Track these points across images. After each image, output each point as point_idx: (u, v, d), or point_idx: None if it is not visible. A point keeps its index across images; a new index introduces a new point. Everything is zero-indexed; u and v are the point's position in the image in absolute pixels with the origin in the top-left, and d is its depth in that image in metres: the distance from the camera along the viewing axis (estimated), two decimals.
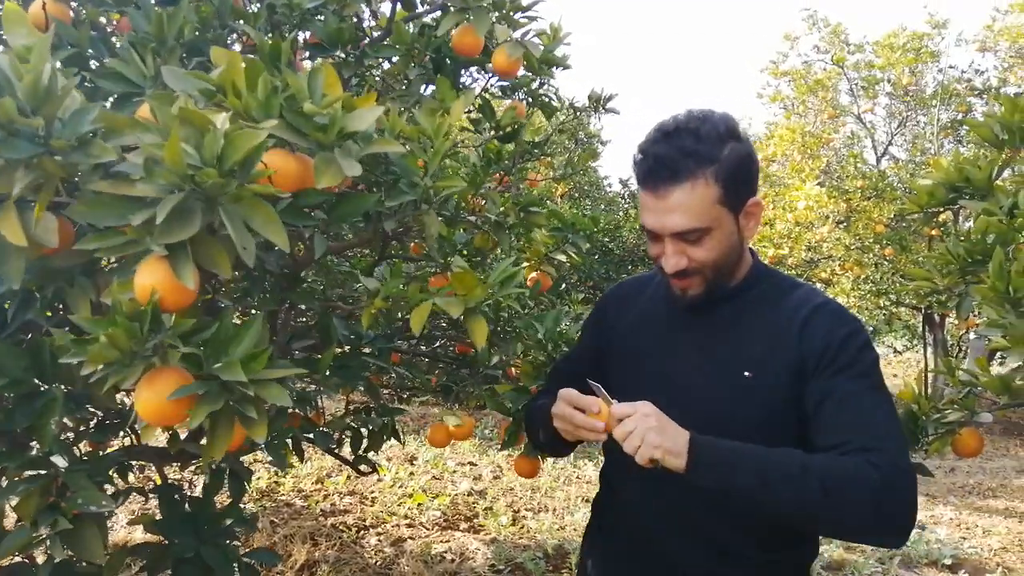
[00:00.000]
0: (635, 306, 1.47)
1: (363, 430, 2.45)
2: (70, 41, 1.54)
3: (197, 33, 1.48)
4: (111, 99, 1.35)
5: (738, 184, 1.23)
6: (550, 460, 5.36)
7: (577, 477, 5.22)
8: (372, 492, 4.70)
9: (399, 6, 2.08)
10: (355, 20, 2.01)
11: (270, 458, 1.85)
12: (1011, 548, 4.40)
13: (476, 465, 5.50)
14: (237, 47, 1.87)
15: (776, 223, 9.02)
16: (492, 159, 2.25)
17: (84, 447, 1.78)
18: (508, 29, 1.84)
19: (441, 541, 3.99)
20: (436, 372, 2.86)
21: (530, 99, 2.52)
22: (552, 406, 1.31)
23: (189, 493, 1.81)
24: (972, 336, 9.28)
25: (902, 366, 12.78)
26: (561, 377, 1.50)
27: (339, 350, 1.87)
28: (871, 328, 10.89)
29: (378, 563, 3.65)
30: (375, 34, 2.14)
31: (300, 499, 4.48)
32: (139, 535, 3.56)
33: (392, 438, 2.49)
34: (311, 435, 2.14)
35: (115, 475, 2.04)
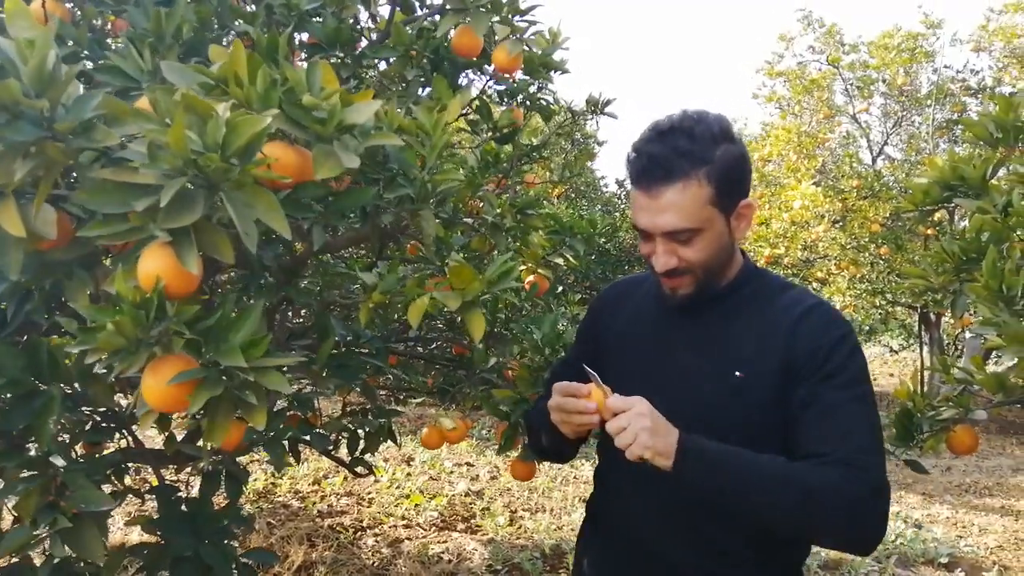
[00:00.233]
0: (628, 307, 1.47)
1: (360, 432, 2.45)
2: (69, 38, 1.54)
3: (195, 33, 1.48)
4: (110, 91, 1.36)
5: (731, 185, 1.24)
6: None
7: (574, 477, 5.22)
8: (369, 493, 4.70)
9: (398, 9, 2.09)
10: (353, 22, 2.02)
11: (267, 459, 1.85)
12: (1007, 546, 4.41)
13: (473, 466, 5.50)
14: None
15: (772, 223, 9.04)
16: (490, 161, 2.26)
17: (80, 449, 1.79)
18: (507, 28, 1.85)
19: (438, 542, 3.99)
20: (432, 373, 2.86)
21: (528, 102, 2.53)
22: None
23: (186, 494, 1.81)
24: (968, 335, 9.31)
25: (898, 365, 12.80)
26: (558, 381, 1.50)
27: (336, 350, 1.88)
28: (867, 327, 10.93)
29: (375, 564, 3.65)
30: (373, 36, 2.15)
31: (297, 500, 4.47)
32: (135, 536, 3.56)
33: (388, 440, 2.50)
34: (308, 436, 2.14)
35: (111, 476, 2.04)
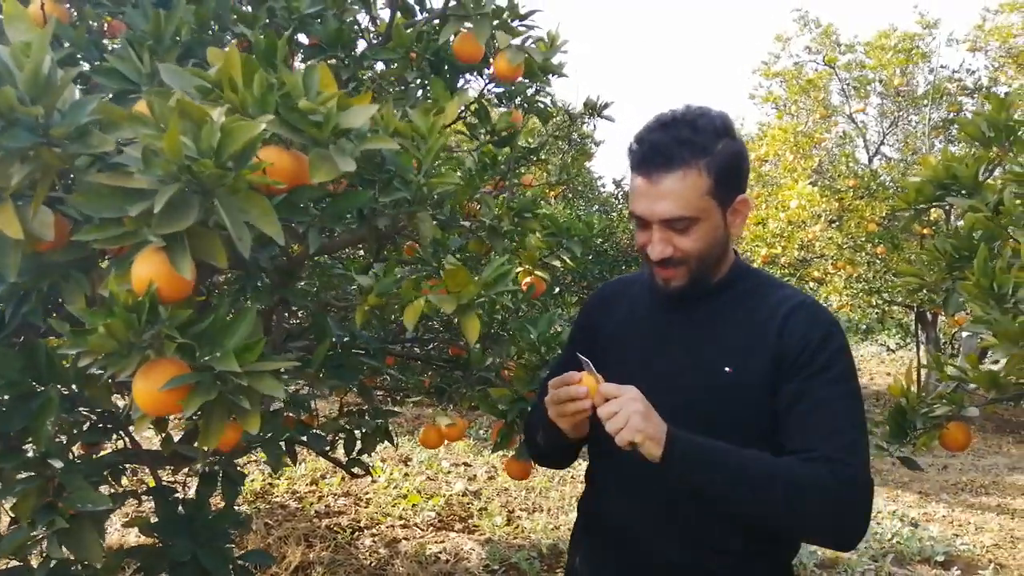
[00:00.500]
0: (620, 307, 1.49)
1: (356, 432, 2.45)
2: (67, 40, 1.54)
3: (194, 34, 1.49)
4: (107, 96, 1.36)
5: (729, 178, 1.26)
6: None
7: (571, 477, 5.22)
8: (366, 493, 4.70)
9: (398, 13, 2.10)
10: (353, 24, 2.03)
11: (265, 460, 1.85)
12: (1003, 545, 4.43)
13: (471, 466, 5.50)
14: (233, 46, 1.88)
15: (769, 222, 9.06)
16: (488, 163, 2.26)
17: (78, 450, 1.79)
18: (508, 36, 1.86)
19: (436, 542, 3.99)
20: (429, 374, 2.87)
21: (526, 105, 2.54)
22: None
23: (183, 495, 1.82)
24: (964, 334, 9.33)
25: (895, 364, 12.82)
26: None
27: (333, 351, 1.88)
28: (864, 326, 10.94)
29: (372, 564, 3.65)
30: (373, 40, 2.16)
31: (294, 501, 4.47)
32: (133, 538, 3.56)
33: (385, 440, 2.50)
34: (304, 437, 2.15)
35: (109, 478, 2.05)
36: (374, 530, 4.11)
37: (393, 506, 4.48)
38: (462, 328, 1.30)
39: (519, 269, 2.50)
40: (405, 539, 4.00)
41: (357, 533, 4.06)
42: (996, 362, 1.86)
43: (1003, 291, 1.74)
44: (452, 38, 1.90)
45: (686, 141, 1.23)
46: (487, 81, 2.35)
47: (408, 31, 2.02)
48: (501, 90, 2.42)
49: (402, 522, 4.25)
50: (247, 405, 0.95)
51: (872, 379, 11.83)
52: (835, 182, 8.76)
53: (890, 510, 4.95)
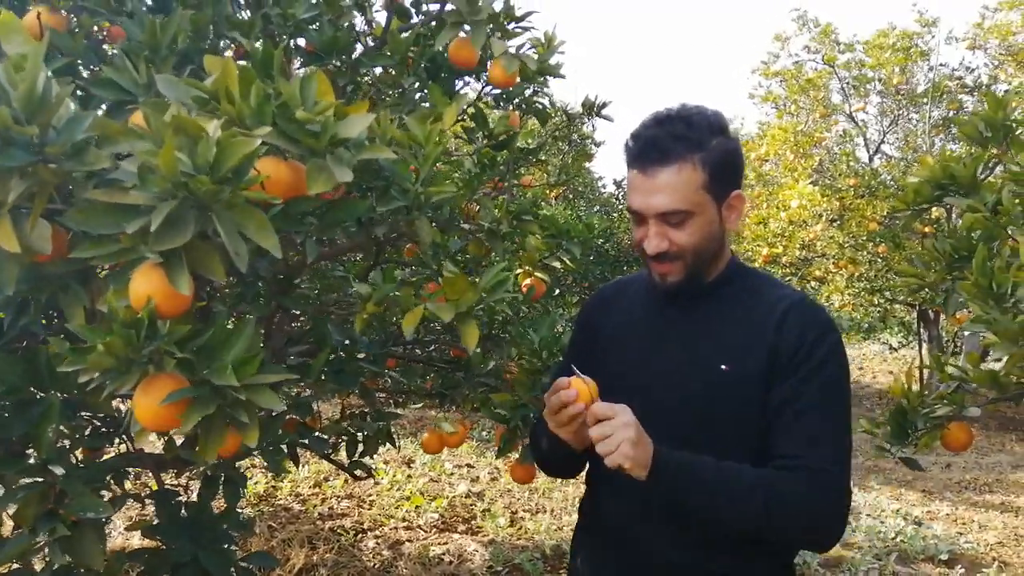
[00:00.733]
0: (617, 308, 1.50)
1: (358, 435, 2.46)
2: (64, 50, 1.55)
3: (191, 41, 1.49)
4: (104, 107, 1.37)
5: (723, 174, 1.28)
6: None
7: (575, 479, 5.22)
8: (370, 495, 4.71)
9: (394, 16, 2.10)
10: (350, 28, 2.03)
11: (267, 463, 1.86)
12: (1007, 543, 4.43)
13: (474, 467, 5.50)
14: (229, 53, 1.88)
15: (770, 222, 9.06)
16: (486, 165, 2.27)
17: (80, 454, 1.80)
18: (504, 42, 1.86)
19: (439, 543, 4.00)
20: (431, 376, 2.87)
21: (524, 106, 2.55)
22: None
23: (186, 498, 1.82)
24: (966, 333, 9.32)
25: (898, 363, 12.81)
26: None
27: (334, 355, 1.89)
28: (866, 325, 10.92)
29: (376, 566, 3.66)
30: (370, 43, 2.16)
31: (298, 503, 4.48)
32: (137, 541, 3.57)
33: (387, 442, 2.51)
34: (307, 440, 2.15)
35: (112, 481, 2.05)
36: (377, 532, 4.12)
37: (396, 508, 4.49)
38: (461, 335, 1.30)
39: (519, 271, 2.51)
40: (408, 541, 4.01)
41: (361, 535, 4.06)
42: (998, 360, 1.86)
43: (1002, 290, 1.74)
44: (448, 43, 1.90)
45: (681, 136, 1.25)
46: (484, 84, 2.35)
47: (405, 35, 2.02)
48: (499, 91, 2.43)
49: (405, 524, 4.26)
50: (245, 419, 0.95)
51: (875, 378, 11.82)
52: (836, 181, 8.76)
53: (893, 508, 4.95)
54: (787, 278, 8.83)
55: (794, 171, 9.47)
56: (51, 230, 0.97)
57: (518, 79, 2.10)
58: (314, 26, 1.78)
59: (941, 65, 10.14)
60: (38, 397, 1.32)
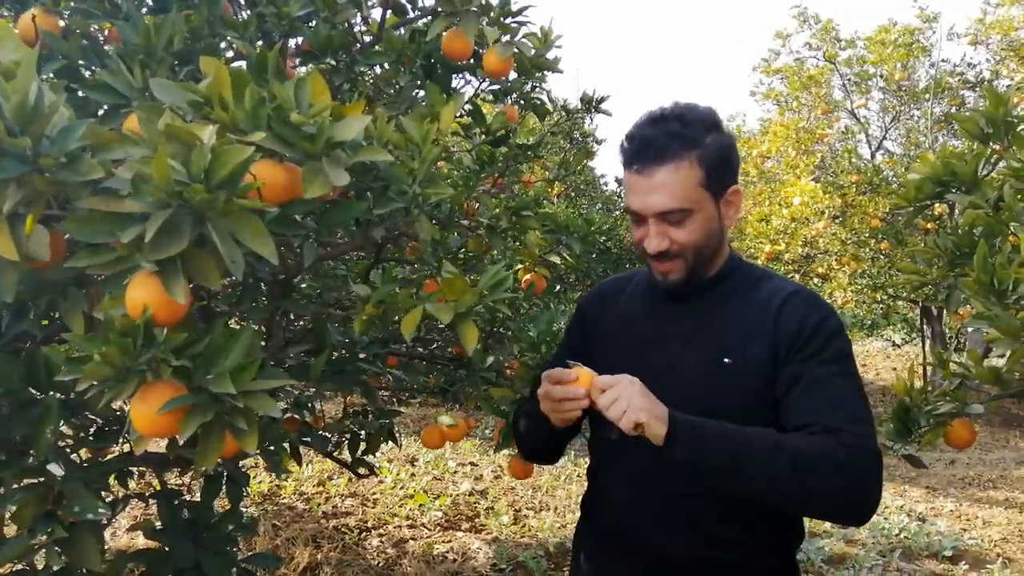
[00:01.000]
0: (615, 304, 1.50)
1: (361, 433, 2.46)
2: (60, 53, 1.55)
3: (187, 43, 1.49)
4: (101, 111, 1.36)
5: (720, 170, 1.29)
6: None
7: (578, 476, 5.23)
8: (373, 494, 4.71)
9: (389, 12, 2.09)
10: (347, 26, 2.02)
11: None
12: (1011, 539, 4.42)
13: (477, 465, 5.51)
14: (230, 54, 1.88)
15: (772, 219, 9.04)
16: (485, 161, 2.27)
17: (84, 453, 1.80)
18: (497, 31, 1.85)
19: (443, 541, 4.00)
20: (433, 374, 2.87)
21: (522, 101, 2.54)
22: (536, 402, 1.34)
23: (188, 498, 1.82)
24: (970, 329, 9.30)
25: (901, 359, 12.79)
26: None
27: (335, 355, 1.89)
28: (869, 322, 10.90)
29: (380, 564, 3.67)
30: (366, 39, 2.15)
31: (302, 502, 4.49)
32: (141, 541, 3.58)
33: (389, 440, 2.51)
34: (309, 439, 2.15)
35: (115, 481, 2.06)
36: (381, 530, 4.13)
37: (400, 506, 4.49)
38: (460, 336, 1.30)
39: (519, 267, 2.51)
40: (412, 539, 4.01)
41: (364, 533, 4.07)
42: (1001, 356, 1.85)
43: (1004, 287, 1.73)
44: (441, 35, 1.90)
45: (676, 135, 1.25)
46: (481, 80, 2.34)
47: (400, 31, 2.02)
48: (497, 87, 2.42)
49: (409, 522, 4.27)
50: (244, 426, 0.95)
51: (878, 374, 11.80)
52: (838, 178, 8.73)
53: (897, 505, 4.94)
54: (790, 275, 8.80)
55: (796, 168, 9.45)
56: (48, 236, 0.97)
57: (515, 73, 2.10)
58: (309, 24, 1.77)
59: (943, 61, 10.10)
60: (37, 398, 1.32)
